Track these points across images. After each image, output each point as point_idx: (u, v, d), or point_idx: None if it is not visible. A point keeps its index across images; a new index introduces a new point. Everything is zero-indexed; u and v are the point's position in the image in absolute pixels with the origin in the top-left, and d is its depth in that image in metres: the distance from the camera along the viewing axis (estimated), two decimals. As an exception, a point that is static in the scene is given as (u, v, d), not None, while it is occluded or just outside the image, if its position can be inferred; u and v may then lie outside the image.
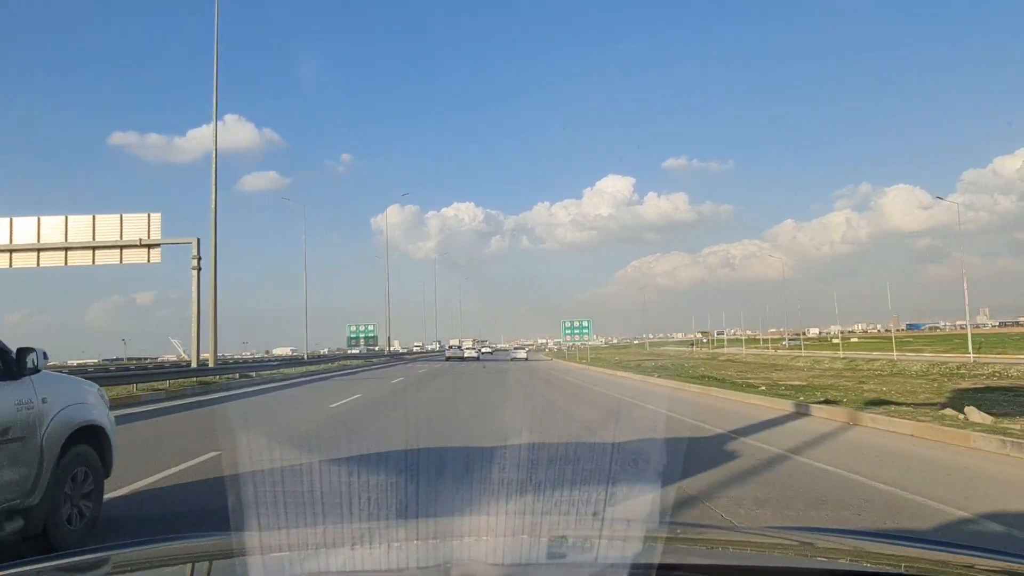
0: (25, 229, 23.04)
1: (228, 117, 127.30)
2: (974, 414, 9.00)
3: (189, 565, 1.58)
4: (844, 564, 1.49)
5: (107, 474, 4.56)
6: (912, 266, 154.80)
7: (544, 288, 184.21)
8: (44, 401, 3.91)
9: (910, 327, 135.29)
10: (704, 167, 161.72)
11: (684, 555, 1.53)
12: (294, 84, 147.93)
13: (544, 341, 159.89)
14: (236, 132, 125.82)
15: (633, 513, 3.37)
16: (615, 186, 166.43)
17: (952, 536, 4.07)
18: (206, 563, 1.57)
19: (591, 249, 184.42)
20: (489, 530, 2.00)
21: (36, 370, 3.89)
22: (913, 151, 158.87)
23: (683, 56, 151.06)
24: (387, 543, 1.74)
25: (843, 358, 41.15)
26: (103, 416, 4.48)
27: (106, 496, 4.61)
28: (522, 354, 62.93)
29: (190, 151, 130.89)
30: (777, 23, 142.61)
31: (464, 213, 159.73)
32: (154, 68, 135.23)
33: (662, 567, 1.26)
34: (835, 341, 72.63)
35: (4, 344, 3.80)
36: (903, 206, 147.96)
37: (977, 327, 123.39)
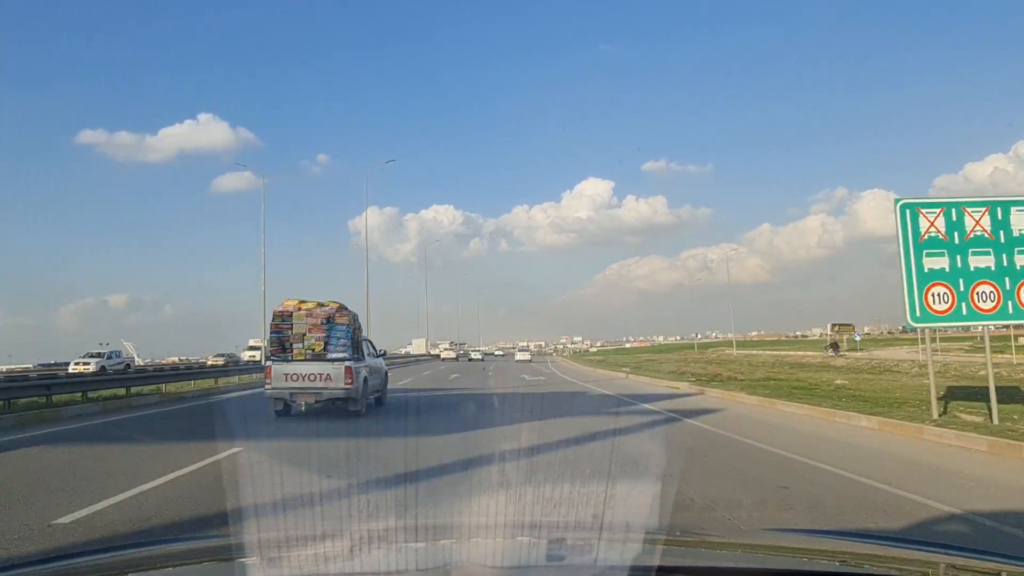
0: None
1: (202, 116, 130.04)
2: None
3: (189, 567, 1.68)
4: (843, 567, 1.56)
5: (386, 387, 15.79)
6: (885, 270, 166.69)
7: (523, 291, 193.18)
8: (383, 364, 15.17)
9: (906, 328, 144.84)
10: (683, 170, 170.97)
11: (683, 557, 1.63)
12: (270, 83, 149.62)
13: (525, 344, 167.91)
14: (210, 132, 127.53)
15: (632, 516, 3.45)
16: (594, 189, 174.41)
17: None
18: (206, 565, 1.69)
19: (570, 252, 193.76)
20: (488, 531, 2.12)
21: (383, 354, 15.24)
22: (887, 156, 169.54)
23: (664, 59, 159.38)
24: (386, 544, 1.88)
25: None
26: (385, 368, 15.71)
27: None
28: (526, 356, 61.08)
29: (162, 150, 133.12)
30: (757, 27, 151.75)
31: (443, 215, 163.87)
32: (126, 64, 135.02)
33: (661, 570, 1.34)
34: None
35: (373, 345, 15.05)
36: (877, 210, 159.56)
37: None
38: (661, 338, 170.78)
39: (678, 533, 2.33)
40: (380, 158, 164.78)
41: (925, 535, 4.77)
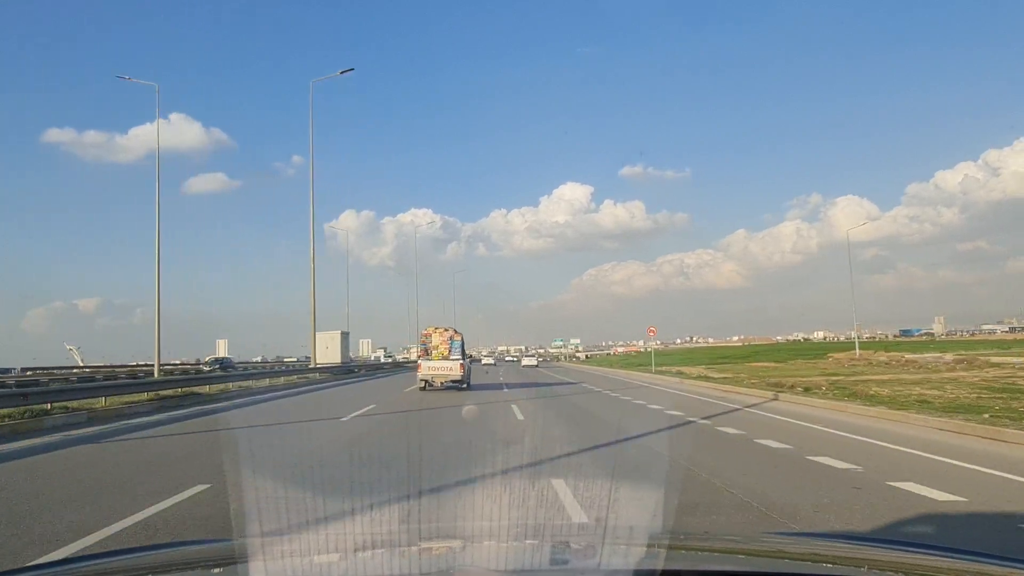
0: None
1: (173, 116, 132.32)
2: None
3: (192, 571, 1.78)
4: (848, 572, 1.61)
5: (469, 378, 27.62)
6: (859, 276, 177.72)
7: (500, 296, 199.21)
8: (469, 364, 26.94)
9: (904, 332, 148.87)
10: (660, 175, 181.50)
11: (687, 561, 1.69)
12: (244, 84, 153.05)
13: (504, 348, 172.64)
14: (182, 131, 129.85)
15: (636, 519, 3.55)
16: (572, 194, 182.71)
17: None
18: (209, 570, 1.78)
19: (547, 256, 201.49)
20: (492, 535, 2.27)
21: (470, 357, 27.09)
22: (861, 163, 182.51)
23: (644, 63, 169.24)
24: (389, 548, 1.98)
25: None
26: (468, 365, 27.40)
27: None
28: (532, 362, 61.87)
29: (132, 150, 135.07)
30: (736, 34, 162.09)
31: (421, 219, 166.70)
32: (96, 61, 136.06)
33: (665, 573, 1.41)
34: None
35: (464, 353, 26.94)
36: (851, 217, 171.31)
37: (992, 333, 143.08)
38: (641, 343, 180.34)
39: (682, 537, 2.48)
40: (356, 160, 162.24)
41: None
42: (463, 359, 24.54)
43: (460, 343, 24.54)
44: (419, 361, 24.92)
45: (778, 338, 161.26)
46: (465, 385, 24.55)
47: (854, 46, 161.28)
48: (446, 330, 24.74)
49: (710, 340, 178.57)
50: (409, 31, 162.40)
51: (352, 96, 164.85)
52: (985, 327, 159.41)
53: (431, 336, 24.54)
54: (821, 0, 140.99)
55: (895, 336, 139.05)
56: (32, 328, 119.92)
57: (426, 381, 24.25)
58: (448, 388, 24.34)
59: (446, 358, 24.19)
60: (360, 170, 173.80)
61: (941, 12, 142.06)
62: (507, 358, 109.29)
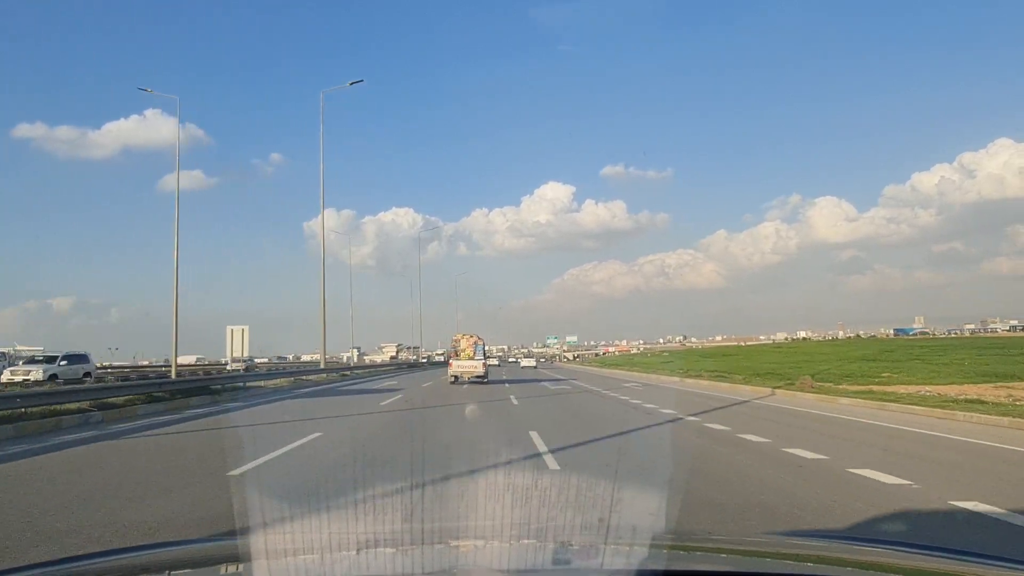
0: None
1: (149, 112, 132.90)
2: None
3: (196, 570, 1.85)
4: (854, 574, 1.65)
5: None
6: (837, 277, 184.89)
7: (482, 295, 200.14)
8: (488, 363, 33.78)
9: (898, 331, 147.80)
10: (642, 175, 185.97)
11: (690, 562, 1.74)
12: (223, 79, 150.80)
13: (487, 348, 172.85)
14: (158, 127, 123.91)
15: (639, 519, 3.71)
16: (554, 193, 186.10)
17: None
18: (212, 569, 1.85)
19: (528, 256, 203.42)
20: (494, 535, 2.29)
21: (487, 357, 34.00)
22: (840, 164, 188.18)
23: (627, 63, 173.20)
24: (392, 548, 2.04)
25: None
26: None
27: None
28: (531, 363, 61.42)
29: (105, 146, 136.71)
30: (718, 35, 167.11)
31: (402, 219, 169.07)
32: (68, 54, 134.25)
33: (668, 574, 1.46)
34: None
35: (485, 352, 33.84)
36: (829, 218, 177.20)
37: (993, 331, 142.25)
38: (624, 342, 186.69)
39: (685, 537, 2.57)
40: (337, 159, 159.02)
41: None
42: (484, 359, 31.28)
43: (482, 347, 31.30)
44: (450, 361, 31.69)
45: (761, 337, 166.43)
46: (486, 380, 31.30)
47: (836, 50, 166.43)
48: (471, 336, 31.50)
49: (693, 340, 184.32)
50: (395, 33, 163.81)
51: (338, 96, 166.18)
52: (967, 327, 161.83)
53: (459, 341, 31.28)
54: (804, 4, 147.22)
55: (892, 335, 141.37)
56: (4, 328, 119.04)
57: (456, 376, 30.98)
58: (473, 381, 31.08)
59: (471, 359, 30.94)
60: (344, 170, 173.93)
61: (920, 17, 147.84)
62: (509, 359, 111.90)
